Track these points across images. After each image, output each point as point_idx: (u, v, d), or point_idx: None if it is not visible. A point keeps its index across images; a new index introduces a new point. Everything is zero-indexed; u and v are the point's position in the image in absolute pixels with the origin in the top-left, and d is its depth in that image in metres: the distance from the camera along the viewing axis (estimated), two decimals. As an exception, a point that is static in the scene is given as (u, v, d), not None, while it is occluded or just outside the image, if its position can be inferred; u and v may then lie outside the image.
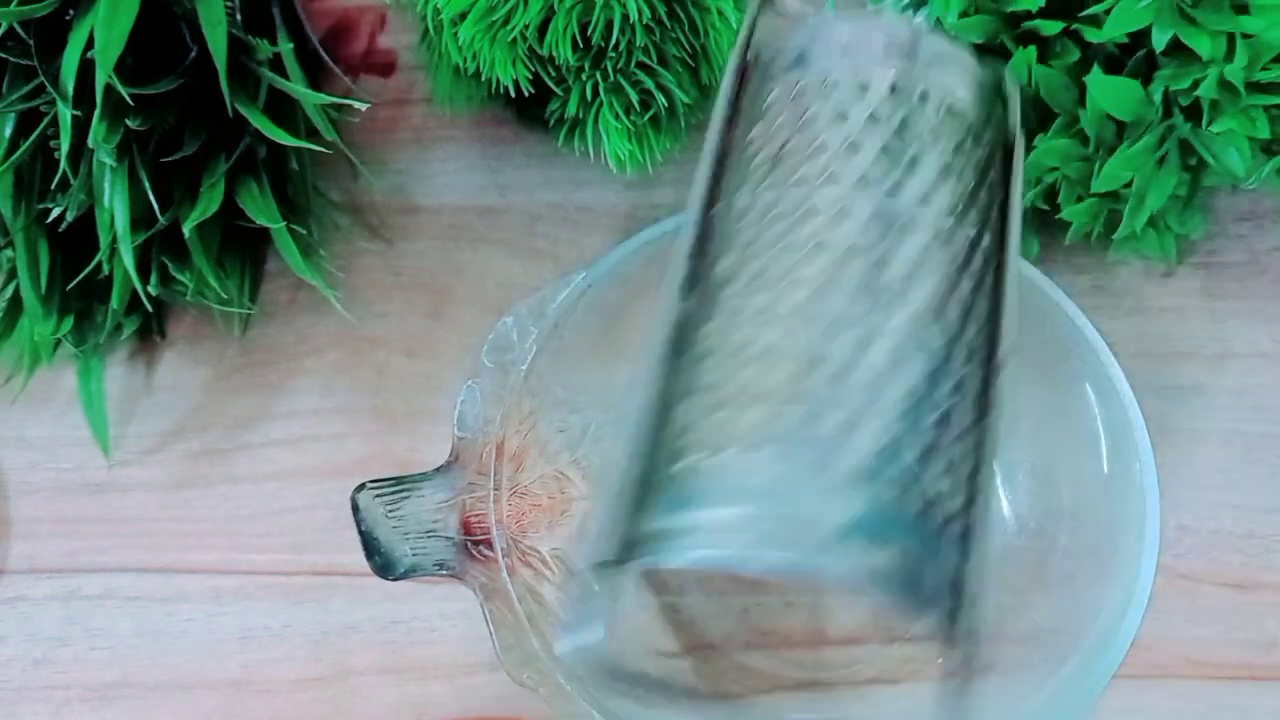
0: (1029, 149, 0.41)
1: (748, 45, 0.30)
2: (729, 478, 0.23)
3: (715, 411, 0.25)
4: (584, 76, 0.43)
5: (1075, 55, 0.39)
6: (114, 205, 0.40)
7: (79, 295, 0.44)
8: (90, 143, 0.38)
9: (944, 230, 0.26)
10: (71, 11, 0.38)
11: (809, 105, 0.27)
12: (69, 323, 0.44)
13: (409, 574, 0.41)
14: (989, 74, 0.29)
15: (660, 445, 0.25)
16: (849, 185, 0.26)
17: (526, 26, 0.40)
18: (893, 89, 0.27)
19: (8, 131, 0.40)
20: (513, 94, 0.43)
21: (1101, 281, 0.46)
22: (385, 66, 0.50)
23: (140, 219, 0.40)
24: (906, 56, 0.27)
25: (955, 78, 0.28)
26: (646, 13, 0.40)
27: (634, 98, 0.43)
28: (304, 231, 0.45)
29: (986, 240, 0.28)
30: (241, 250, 0.46)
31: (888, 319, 0.25)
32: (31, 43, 0.38)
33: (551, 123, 0.46)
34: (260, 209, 0.42)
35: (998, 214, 0.28)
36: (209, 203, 0.41)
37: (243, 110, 0.40)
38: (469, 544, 0.40)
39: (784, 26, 0.30)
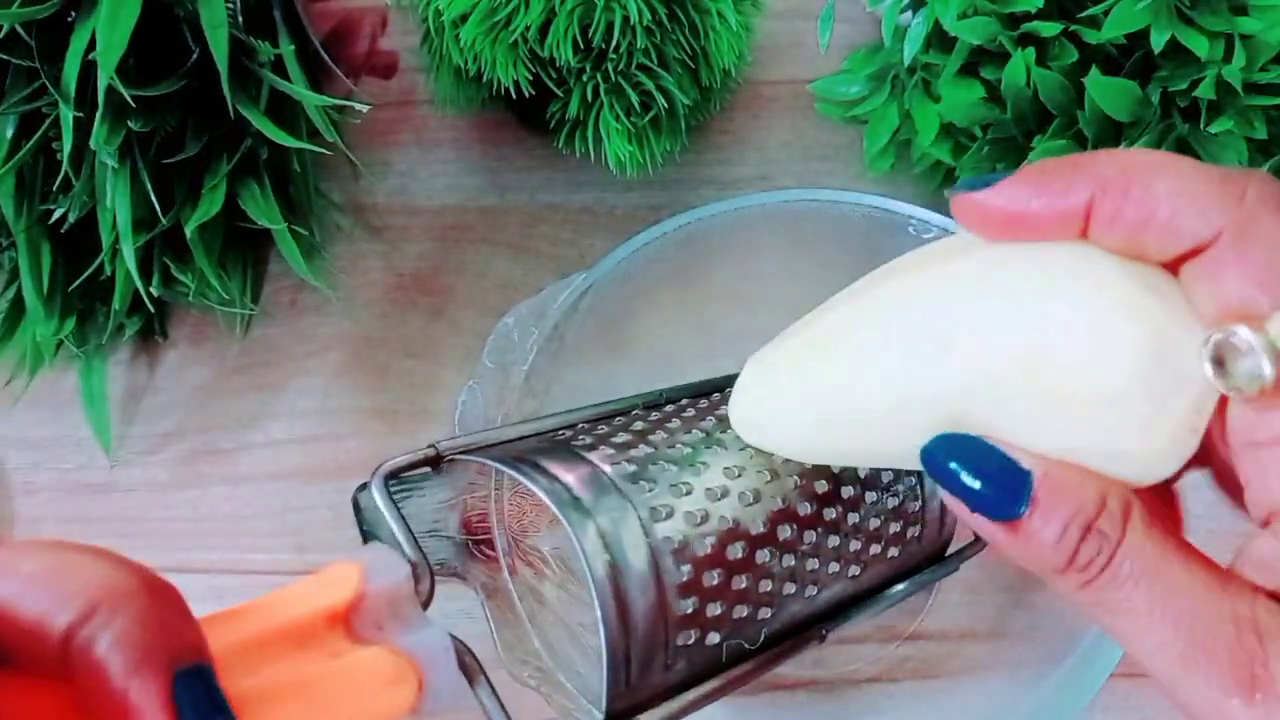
0: (1028, 150, 0.41)
1: None
2: None
3: None
4: (585, 78, 0.43)
5: (1074, 56, 0.39)
6: (116, 206, 0.40)
7: (81, 296, 0.44)
8: (92, 144, 0.38)
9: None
10: (73, 13, 0.38)
11: None
12: (71, 323, 0.44)
13: (410, 573, 0.41)
14: None
15: None
16: None
17: (528, 28, 0.40)
18: None
19: (10, 133, 0.40)
20: (513, 96, 0.43)
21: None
22: (387, 68, 0.50)
23: (142, 220, 0.40)
24: None
25: None
26: (647, 15, 0.40)
27: (634, 99, 0.43)
28: (306, 232, 0.45)
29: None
30: (243, 251, 0.46)
31: None
32: (34, 44, 0.38)
33: (552, 124, 0.46)
34: (262, 210, 0.42)
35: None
36: (211, 204, 0.41)
37: (244, 112, 0.40)
38: (470, 543, 0.40)
39: None
